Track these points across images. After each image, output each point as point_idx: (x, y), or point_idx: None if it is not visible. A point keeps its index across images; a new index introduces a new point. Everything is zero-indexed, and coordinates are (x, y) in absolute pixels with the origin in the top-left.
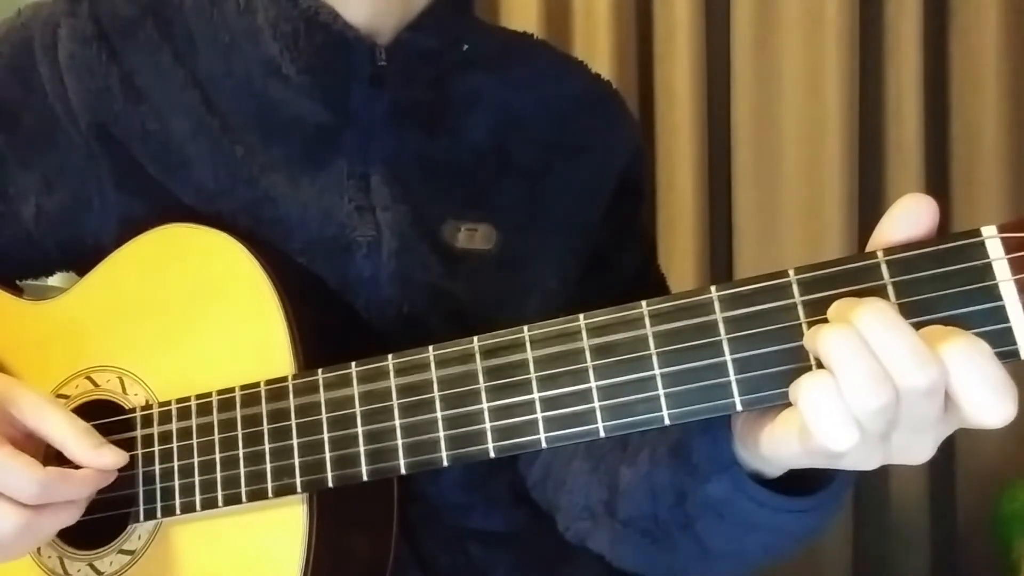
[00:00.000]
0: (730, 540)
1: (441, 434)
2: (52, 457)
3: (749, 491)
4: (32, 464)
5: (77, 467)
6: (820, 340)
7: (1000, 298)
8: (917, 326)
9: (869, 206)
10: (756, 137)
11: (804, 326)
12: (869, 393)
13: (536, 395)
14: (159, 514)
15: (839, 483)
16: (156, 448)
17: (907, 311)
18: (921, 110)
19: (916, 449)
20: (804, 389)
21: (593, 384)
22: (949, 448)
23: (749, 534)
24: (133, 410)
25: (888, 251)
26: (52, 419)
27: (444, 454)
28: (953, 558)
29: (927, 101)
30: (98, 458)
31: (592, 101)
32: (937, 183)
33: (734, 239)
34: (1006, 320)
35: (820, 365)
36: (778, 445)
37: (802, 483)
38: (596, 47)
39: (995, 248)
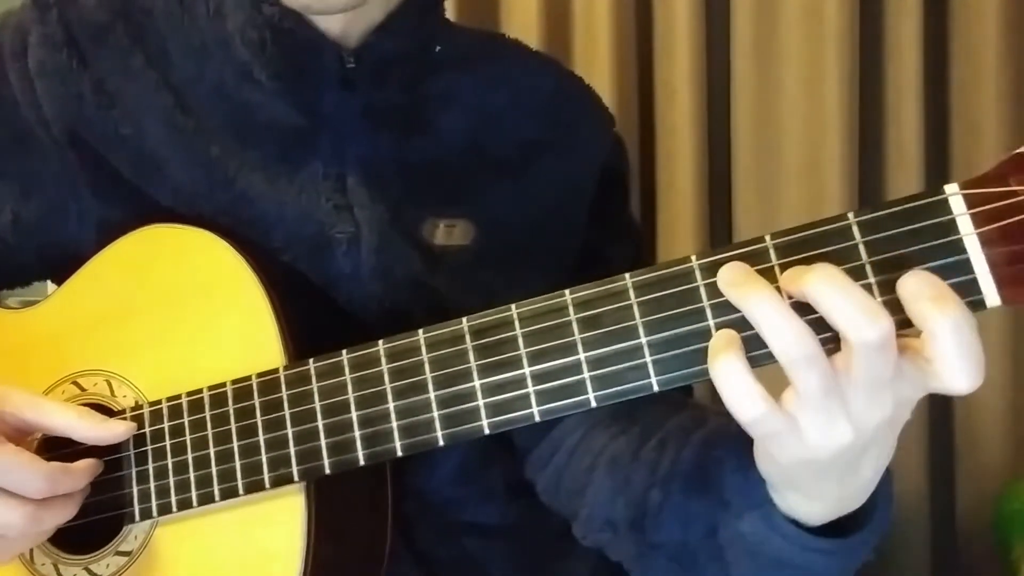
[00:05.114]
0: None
1: (435, 414)
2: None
3: (780, 528)
4: (36, 459)
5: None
6: (740, 299)
7: (965, 251)
8: (890, 281)
9: (869, 206)
10: (756, 137)
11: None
12: (792, 343)
13: (527, 370)
14: (155, 512)
15: (871, 529)
16: (149, 447)
17: (879, 268)
18: (921, 110)
19: (877, 410)
20: (710, 362)
21: (582, 356)
22: (949, 448)
23: (777, 571)
24: (123, 411)
25: (858, 213)
26: (50, 410)
27: (439, 433)
28: (953, 558)
29: (927, 101)
30: (108, 431)
31: (566, 97)
32: (937, 183)
33: (734, 239)
34: (971, 272)
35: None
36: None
37: (841, 531)
38: (596, 47)
39: (958, 204)
